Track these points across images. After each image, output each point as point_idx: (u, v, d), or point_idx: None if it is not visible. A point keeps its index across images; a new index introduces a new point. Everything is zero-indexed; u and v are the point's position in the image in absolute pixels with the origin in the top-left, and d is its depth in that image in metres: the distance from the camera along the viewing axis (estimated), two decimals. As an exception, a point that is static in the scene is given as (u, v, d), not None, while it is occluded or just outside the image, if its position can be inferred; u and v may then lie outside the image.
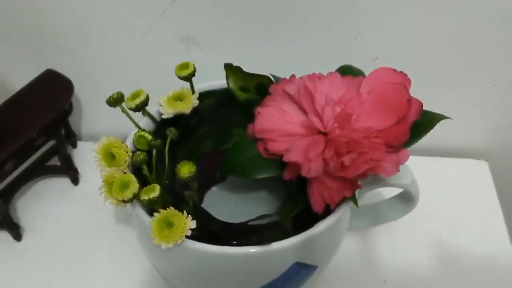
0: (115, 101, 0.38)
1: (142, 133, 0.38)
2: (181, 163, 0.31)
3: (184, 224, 0.31)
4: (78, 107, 0.52)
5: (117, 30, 0.46)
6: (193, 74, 0.39)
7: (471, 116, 0.51)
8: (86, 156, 0.51)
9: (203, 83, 0.42)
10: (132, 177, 0.31)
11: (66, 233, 0.47)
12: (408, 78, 0.36)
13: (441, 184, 0.51)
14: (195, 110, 0.41)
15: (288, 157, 0.33)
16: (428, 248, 0.46)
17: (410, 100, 0.34)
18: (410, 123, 0.34)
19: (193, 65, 0.39)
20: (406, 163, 0.34)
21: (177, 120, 0.41)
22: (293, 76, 0.37)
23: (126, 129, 0.54)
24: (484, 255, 0.45)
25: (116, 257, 0.46)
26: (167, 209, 0.31)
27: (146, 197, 0.31)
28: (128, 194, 0.31)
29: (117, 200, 0.31)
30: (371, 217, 0.42)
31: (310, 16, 0.44)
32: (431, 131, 0.36)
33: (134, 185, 0.31)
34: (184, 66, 0.39)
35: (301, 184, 0.35)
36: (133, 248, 0.45)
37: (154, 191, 0.32)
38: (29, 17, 0.46)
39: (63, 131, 0.48)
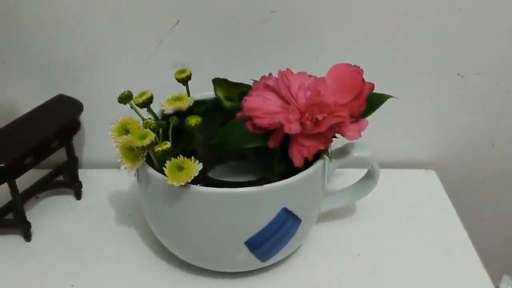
0: (126, 98, 0.46)
1: (148, 120, 0.45)
2: (189, 116, 0.39)
3: (193, 166, 0.38)
4: (80, 135, 0.59)
5: (121, 59, 0.56)
6: (189, 77, 0.48)
7: (414, 129, 0.61)
8: (85, 183, 0.57)
9: (195, 94, 0.51)
10: (149, 131, 0.39)
11: (69, 244, 0.51)
12: (361, 69, 0.46)
13: (396, 193, 0.58)
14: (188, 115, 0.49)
15: (273, 120, 0.42)
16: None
17: (363, 80, 0.44)
18: (365, 98, 0.44)
19: (189, 70, 0.48)
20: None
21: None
22: (270, 74, 0.47)
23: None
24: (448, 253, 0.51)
25: (119, 268, 0.48)
26: (177, 157, 0.39)
27: (159, 148, 0.39)
28: (147, 141, 0.38)
29: (137, 148, 0.38)
30: (344, 198, 0.50)
31: (276, 45, 0.55)
32: (379, 144, 0.47)
33: (151, 135, 0.38)
34: (182, 71, 0.48)
35: (281, 151, 0.43)
36: (135, 256, 0.49)
37: (166, 144, 0.39)
38: (46, 50, 0.55)
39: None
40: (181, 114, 0.48)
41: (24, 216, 0.49)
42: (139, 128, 0.42)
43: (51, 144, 0.49)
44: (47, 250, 0.50)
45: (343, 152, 0.47)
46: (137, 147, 0.38)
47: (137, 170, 0.43)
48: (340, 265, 0.48)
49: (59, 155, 0.54)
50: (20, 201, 0.48)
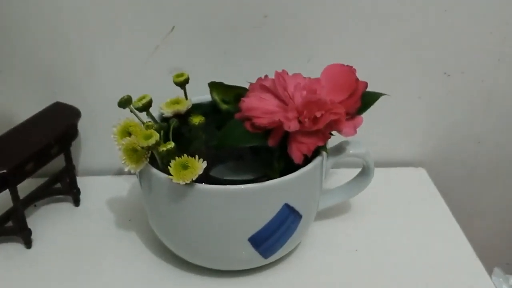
0: (126, 102, 0.46)
1: (149, 122, 0.46)
2: (192, 115, 0.40)
3: (197, 165, 0.39)
4: (75, 142, 0.60)
5: (117, 66, 0.56)
6: (187, 81, 0.49)
7: (403, 128, 0.63)
8: (82, 189, 0.57)
9: (191, 98, 0.52)
10: (153, 131, 0.40)
11: (71, 250, 0.51)
12: (354, 68, 0.47)
13: (388, 191, 0.59)
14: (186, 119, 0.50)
15: (273, 119, 0.43)
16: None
17: (357, 78, 0.46)
18: (360, 95, 0.45)
19: (187, 74, 0.49)
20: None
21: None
22: (266, 75, 0.48)
23: (121, 164, 0.62)
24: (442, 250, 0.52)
25: (123, 272, 0.49)
26: (181, 156, 0.39)
27: (164, 148, 0.40)
28: (152, 141, 0.39)
29: (142, 148, 0.39)
30: (341, 195, 0.52)
31: (269, 48, 0.57)
32: (369, 144, 0.49)
33: (156, 135, 0.39)
34: (180, 74, 0.49)
35: (280, 150, 0.45)
36: (138, 260, 0.49)
37: (170, 144, 0.40)
38: (42, 58, 0.55)
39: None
40: (180, 117, 0.50)
41: (25, 223, 0.49)
42: (141, 130, 0.43)
43: (51, 150, 0.49)
44: (48, 257, 0.50)
45: (338, 149, 0.48)
46: (142, 147, 0.39)
47: (140, 172, 0.43)
48: (339, 261, 0.49)
49: (54, 163, 0.54)
50: (21, 208, 0.48)
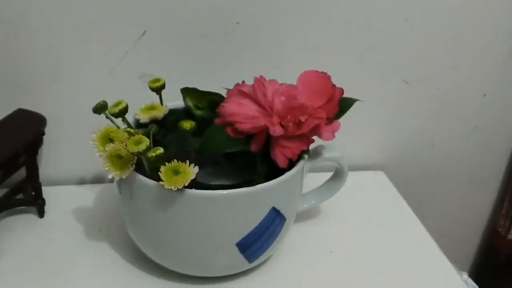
0: (101, 107, 0.45)
1: (127, 128, 0.45)
2: (182, 120, 0.40)
3: (188, 170, 0.38)
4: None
5: (85, 71, 0.54)
6: (163, 86, 0.48)
7: (364, 133, 0.65)
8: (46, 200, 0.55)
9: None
10: (143, 136, 0.39)
11: (40, 263, 0.48)
12: (329, 75, 0.49)
13: (354, 194, 0.59)
14: (161, 125, 0.50)
15: (257, 124, 0.43)
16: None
17: (334, 85, 0.47)
18: (337, 101, 0.47)
19: (164, 79, 0.49)
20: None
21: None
22: (243, 81, 0.48)
23: (83, 173, 0.59)
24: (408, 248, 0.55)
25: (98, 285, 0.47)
26: (171, 162, 0.39)
27: (153, 154, 0.39)
28: (143, 146, 0.38)
29: (132, 153, 0.38)
30: (315, 198, 0.53)
31: (240, 55, 0.57)
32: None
33: (146, 140, 0.38)
34: (156, 80, 0.48)
35: (262, 155, 0.45)
36: (113, 271, 0.48)
37: (159, 149, 0.39)
38: (6, 62, 0.53)
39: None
40: (156, 123, 0.49)
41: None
42: (123, 136, 0.42)
43: (19, 159, 0.47)
44: (18, 271, 0.47)
45: (315, 153, 0.49)
46: (132, 153, 0.38)
47: (122, 179, 0.42)
48: (316, 262, 0.50)
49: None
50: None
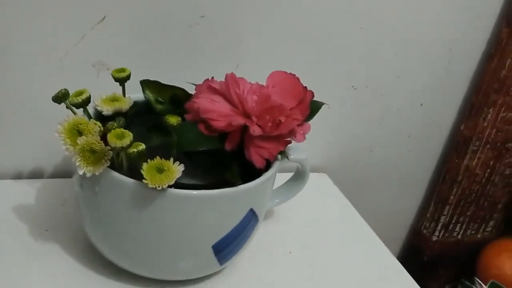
0: (63, 96, 0.41)
1: (93, 121, 0.41)
2: (168, 115, 0.37)
3: (173, 168, 0.36)
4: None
5: (34, 55, 0.49)
6: (128, 77, 0.45)
7: (310, 136, 0.66)
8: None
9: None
10: (125, 130, 0.36)
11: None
12: (297, 76, 0.49)
13: (300, 195, 0.62)
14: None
15: (237, 121, 0.42)
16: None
17: (305, 87, 0.47)
18: (309, 103, 0.47)
19: (129, 70, 0.45)
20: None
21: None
22: (213, 77, 0.47)
23: (20, 167, 0.54)
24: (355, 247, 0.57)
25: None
26: (154, 159, 0.36)
27: (135, 149, 0.36)
28: (127, 141, 0.35)
29: (115, 148, 0.35)
30: (279, 197, 0.52)
31: (201, 49, 0.55)
32: None
33: (130, 135, 0.36)
34: (121, 70, 0.45)
35: (234, 154, 0.44)
36: (66, 275, 0.44)
37: (141, 145, 0.36)
38: None
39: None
40: (120, 115, 0.45)
41: None
42: (94, 129, 0.39)
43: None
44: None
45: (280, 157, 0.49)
46: (115, 148, 0.35)
47: (85, 177, 0.38)
48: (279, 262, 0.51)
49: None
50: None
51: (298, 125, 0.46)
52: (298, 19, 0.58)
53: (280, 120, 0.43)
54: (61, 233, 0.47)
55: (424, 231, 0.77)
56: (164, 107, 0.49)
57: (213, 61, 0.56)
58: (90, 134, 0.38)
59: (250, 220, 0.42)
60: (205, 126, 0.44)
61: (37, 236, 0.47)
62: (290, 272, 0.50)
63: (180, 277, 0.44)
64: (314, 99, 0.48)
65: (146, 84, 0.50)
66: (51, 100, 0.42)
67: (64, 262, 0.45)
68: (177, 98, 0.50)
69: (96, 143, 0.37)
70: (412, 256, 0.80)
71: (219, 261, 0.42)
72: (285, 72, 0.49)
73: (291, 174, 0.54)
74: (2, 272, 0.43)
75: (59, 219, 0.49)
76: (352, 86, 0.64)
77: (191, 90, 0.47)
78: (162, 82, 0.49)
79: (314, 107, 0.49)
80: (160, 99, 0.50)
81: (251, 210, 0.42)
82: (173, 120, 0.38)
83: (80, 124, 0.39)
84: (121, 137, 0.35)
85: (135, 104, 0.49)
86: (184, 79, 0.48)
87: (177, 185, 0.41)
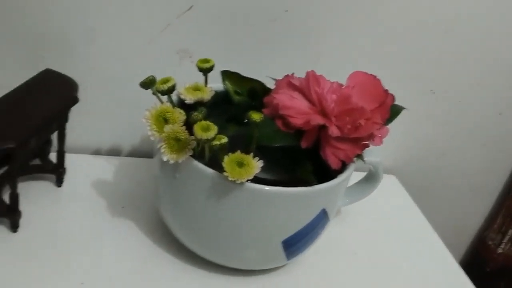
0: (150, 82, 0.43)
1: (178, 110, 0.43)
2: (251, 111, 0.38)
3: (253, 163, 0.37)
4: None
5: (122, 37, 0.51)
6: (212, 68, 0.46)
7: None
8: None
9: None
10: (210, 123, 0.37)
11: (61, 238, 0.46)
12: (378, 78, 0.48)
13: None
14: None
15: (316, 120, 0.42)
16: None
17: (387, 90, 0.47)
18: (389, 106, 0.46)
19: (214, 61, 0.46)
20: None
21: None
22: (293, 73, 0.47)
23: (100, 144, 0.56)
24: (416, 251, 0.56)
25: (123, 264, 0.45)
26: (235, 152, 0.37)
27: (218, 142, 0.37)
28: (212, 134, 0.36)
29: (200, 140, 0.36)
30: (350, 198, 0.52)
31: (283, 43, 0.55)
32: None
33: (214, 127, 0.37)
34: (206, 60, 0.46)
35: (310, 152, 0.44)
36: (139, 252, 0.46)
37: (224, 138, 0.38)
38: (35, 14, 0.49)
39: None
40: (201, 105, 0.47)
41: (17, 204, 0.43)
42: (179, 118, 0.40)
43: (52, 124, 0.44)
44: (38, 243, 0.44)
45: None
46: (200, 140, 0.36)
47: (163, 161, 0.40)
48: (341, 263, 0.51)
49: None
50: (16, 187, 0.42)
51: (377, 129, 0.47)
52: (382, 20, 0.57)
53: (360, 123, 0.43)
54: (136, 211, 0.50)
55: (489, 242, 0.75)
56: (242, 99, 0.50)
57: (291, 55, 0.56)
58: (176, 123, 0.40)
59: (321, 220, 0.43)
60: (283, 123, 0.44)
61: (114, 212, 0.49)
62: (353, 273, 0.50)
63: (245, 266, 0.45)
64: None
65: (226, 74, 0.51)
66: (134, 83, 0.43)
67: (137, 239, 0.47)
68: (254, 91, 0.51)
69: (181, 132, 0.38)
70: (474, 264, 0.78)
71: (286, 256, 0.43)
72: (366, 73, 0.48)
73: (360, 172, 0.53)
74: (79, 243, 0.46)
75: (134, 197, 0.51)
76: (431, 90, 0.63)
77: (269, 84, 0.48)
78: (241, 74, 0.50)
79: (393, 111, 0.49)
80: (238, 90, 0.51)
81: (323, 210, 0.42)
82: (257, 116, 0.38)
83: (167, 112, 0.40)
84: (206, 129, 0.37)
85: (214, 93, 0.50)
86: (262, 73, 0.49)
87: (263, 180, 0.42)
